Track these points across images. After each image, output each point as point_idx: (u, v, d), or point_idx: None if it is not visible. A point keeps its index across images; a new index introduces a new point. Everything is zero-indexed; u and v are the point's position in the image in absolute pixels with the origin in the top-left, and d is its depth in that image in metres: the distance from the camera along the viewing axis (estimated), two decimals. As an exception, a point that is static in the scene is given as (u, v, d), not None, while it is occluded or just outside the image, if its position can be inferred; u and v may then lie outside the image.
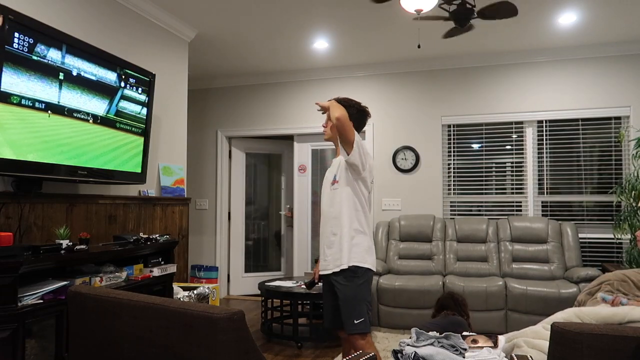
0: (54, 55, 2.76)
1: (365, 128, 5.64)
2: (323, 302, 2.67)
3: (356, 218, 2.53)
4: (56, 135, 2.80)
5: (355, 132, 2.48)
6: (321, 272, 2.59)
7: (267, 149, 6.30)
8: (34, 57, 2.63)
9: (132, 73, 3.47)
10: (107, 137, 3.23)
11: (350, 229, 2.51)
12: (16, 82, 2.52)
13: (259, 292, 5.37)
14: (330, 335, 4.29)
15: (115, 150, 3.31)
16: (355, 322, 2.41)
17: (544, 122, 5.21)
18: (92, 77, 3.07)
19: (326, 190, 2.64)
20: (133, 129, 3.50)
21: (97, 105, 3.12)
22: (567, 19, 4.28)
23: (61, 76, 2.82)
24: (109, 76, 3.23)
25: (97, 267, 2.91)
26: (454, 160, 5.48)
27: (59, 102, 2.80)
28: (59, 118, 2.81)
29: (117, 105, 3.30)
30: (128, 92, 3.42)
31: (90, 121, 3.06)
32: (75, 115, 2.93)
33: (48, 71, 2.72)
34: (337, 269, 2.48)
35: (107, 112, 3.22)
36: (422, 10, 3.10)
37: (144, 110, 3.61)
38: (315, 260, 2.84)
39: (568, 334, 1.28)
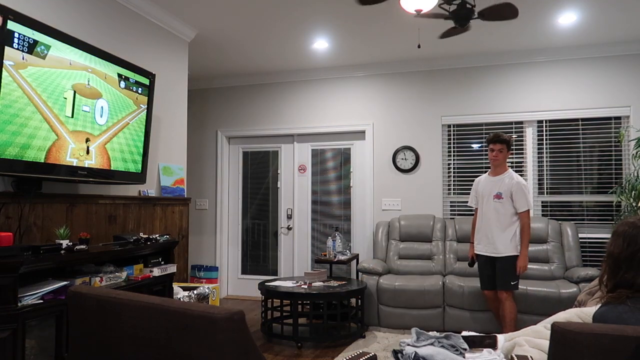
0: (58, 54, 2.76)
1: (365, 128, 5.70)
2: (482, 272, 3.95)
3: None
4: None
5: (530, 203, 3.81)
6: (488, 254, 3.86)
7: (266, 148, 6.29)
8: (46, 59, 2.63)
9: (132, 73, 3.47)
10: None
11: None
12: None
13: (253, 295, 5.43)
14: (330, 335, 4.30)
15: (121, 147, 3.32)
16: (512, 283, 3.78)
17: (544, 122, 5.21)
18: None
19: (489, 198, 3.86)
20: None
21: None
22: (567, 19, 4.28)
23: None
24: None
25: (97, 267, 2.91)
26: (454, 160, 5.48)
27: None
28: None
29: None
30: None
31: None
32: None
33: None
34: (507, 254, 3.78)
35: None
36: (422, 10, 3.10)
37: (144, 110, 3.61)
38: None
39: (568, 333, 1.28)
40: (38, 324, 2.40)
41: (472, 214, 5.49)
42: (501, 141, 3.82)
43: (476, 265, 4.05)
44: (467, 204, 4.26)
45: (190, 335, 1.34)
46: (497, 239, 3.79)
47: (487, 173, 4.01)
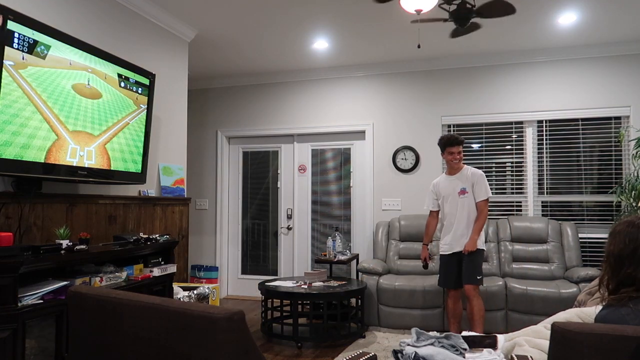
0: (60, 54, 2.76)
1: (365, 128, 5.70)
2: (448, 270, 3.94)
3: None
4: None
5: (489, 192, 3.91)
6: (456, 251, 3.87)
7: (266, 148, 6.29)
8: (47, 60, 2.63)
9: (132, 73, 3.47)
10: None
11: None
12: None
13: (253, 295, 5.42)
14: (330, 335, 4.30)
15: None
16: (478, 277, 3.80)
17: (544, 122, 5.20)
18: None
19: (453, 196, 3.94)
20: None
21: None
22: (567, 19, 4.28)
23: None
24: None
25: (97, 267, 2.91)
26: (454, 160, 5.47)
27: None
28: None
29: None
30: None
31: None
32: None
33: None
34: (474, 249, 3.81)
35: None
36: (422, 11, 3.10)
37: (144, 111, 3.61)
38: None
39: (568, 333, 1.28)
40: (38, 324, 2.40)
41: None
42: (462, 143, 4.01)
43: (436, 267, 4.12)
44: (424, 208, 4.28)
45: (190, 335, 1.34)
46: (469, 233, 3.83)
47: (444, 173, 4.13)
